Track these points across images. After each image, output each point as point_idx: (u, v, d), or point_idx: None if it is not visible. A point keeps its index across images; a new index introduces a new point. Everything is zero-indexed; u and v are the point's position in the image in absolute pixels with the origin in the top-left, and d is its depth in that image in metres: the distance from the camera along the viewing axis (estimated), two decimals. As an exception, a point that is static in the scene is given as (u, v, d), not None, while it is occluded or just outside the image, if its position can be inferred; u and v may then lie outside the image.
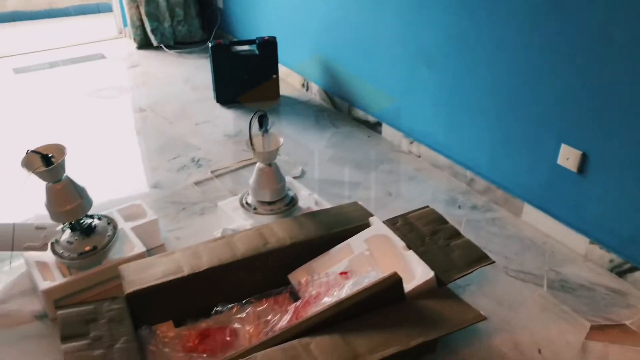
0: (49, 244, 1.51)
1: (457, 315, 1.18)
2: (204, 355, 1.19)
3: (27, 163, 1.37)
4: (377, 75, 2.33)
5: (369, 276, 1.26)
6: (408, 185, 2.06)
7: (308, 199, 1.75)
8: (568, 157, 1.62)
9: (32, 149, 1.37)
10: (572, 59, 1.53)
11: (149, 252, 1.58)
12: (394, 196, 1.98)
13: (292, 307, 1.26)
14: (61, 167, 1.39)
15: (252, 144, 1.59)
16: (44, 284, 1.43)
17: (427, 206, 1.57)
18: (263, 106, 2.68)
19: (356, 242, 1.41)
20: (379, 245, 1.38)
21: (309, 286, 1.31)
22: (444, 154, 2.11)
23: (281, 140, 1.63)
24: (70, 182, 1.44)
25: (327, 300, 1.25)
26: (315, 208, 1.70)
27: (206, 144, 2.36)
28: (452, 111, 2.02)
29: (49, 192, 1.43)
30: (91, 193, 1.53)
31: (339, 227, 1.47)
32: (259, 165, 1.65)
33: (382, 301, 1.20)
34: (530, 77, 1.67)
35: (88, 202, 1.48)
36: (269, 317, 1.26)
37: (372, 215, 1.51)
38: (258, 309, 1.29)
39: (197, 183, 2.07)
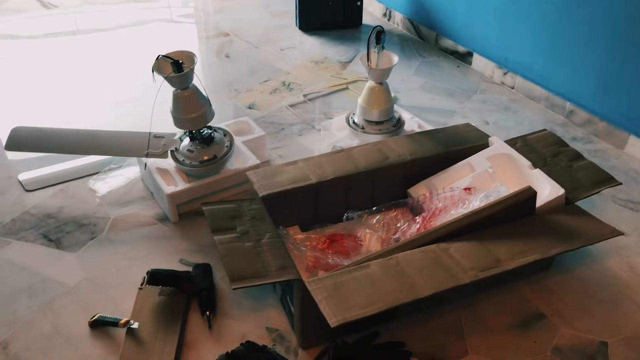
0: (169, 152, 1.56)
1: (592, 229, 1.19)
2: (338, 255, 1.23)
3: (158, 68, 1.40)
4: (471, 2, 2.26)
5: (498, 191, 1.28)
6: (504, 115, 2.04)
7: (411, 122, 1.76)
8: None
9: (164, 54, 1.39)
10: None
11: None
12: (491, 125, 1.97)
13: (420, 217, 1.29)
14: (191, 73, 1.42)
15: (368, 60, 1.58)
16: (168, 189, 1.49)
17: (545, 129, 1.56)
18: (345, 34, 2.66)
19: (477, 160, 1.41)
20: (502, 163, 1.39)
21: (434, 199, 1.34)
22: (541, 85, 2.07)
23: (395, 58, 1.62)
24: (197, 90, 1.47)
25: (455, 213, 1.27)
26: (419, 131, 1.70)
27: (294, 69, 2.36)
28: (556, 40, 1.96)
29: (176, 98, 1.46)
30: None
31: (457, 145, 1.48)
32: (370, 83, 1.65)
33: (514, 214, 1.22)
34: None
35: (211, 112, 1.52)
36: (399, 225, 1.29)
37: (488, 136, 1.51)
38: (387, 216, 1.32)
39: (291, 105, 2.09)
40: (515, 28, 2.10)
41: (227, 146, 1.57)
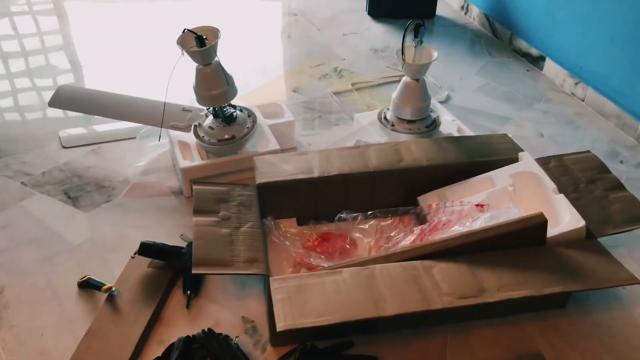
0: (192, 127, 1.56)
1: (606, 272, 1.04)
2: (322, 256, 1.17)
3: (182, 42, 1.40)
4: (552, 2, 2.06)
5: (509, 213, 1.15)
6: (564, 129, 1.84)
7: (450, 125, 1.64)
8: None
9: (189, 28, 1.39)
10: None
11: (282, 152, 1.58)
12: (546, 138, 1.79)
13: (418, 229, 1.20)
14: (213, 50, 1.40)
15: (402, 53, 1.48)
16: (184, 163, 1.49)
17: (588, 151, 1.38)
18: (415, 25, 2.52)
19: (499, 176, 1.29)
20: (525, 183, 1.25)
21: (439, 211, 1.23)
22: (614, 100, 1.85)
23: (435, 54, 1.50)
24: (220, 67, 1.45)
25: (457, 229, 1.16)
26: (456, 135, 1.58)
27: (351, 56, 2.28)
28: (638, 52, 1.73)
29: (198, 74, 1.45)
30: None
31: (483, 156, 1.35)
32: (405, 79, 1.55)
33: (520, 242, 1.09)
34: None
35: (233, 91, 1.49)
36: (392, 234, 1.21)
37: (522, 150, 1.37)
38: (382, 223, 1.24)
39: (335, 93, 2.03)
40: (595, 34, 1.88)
41: (248, 127, 1.55)
